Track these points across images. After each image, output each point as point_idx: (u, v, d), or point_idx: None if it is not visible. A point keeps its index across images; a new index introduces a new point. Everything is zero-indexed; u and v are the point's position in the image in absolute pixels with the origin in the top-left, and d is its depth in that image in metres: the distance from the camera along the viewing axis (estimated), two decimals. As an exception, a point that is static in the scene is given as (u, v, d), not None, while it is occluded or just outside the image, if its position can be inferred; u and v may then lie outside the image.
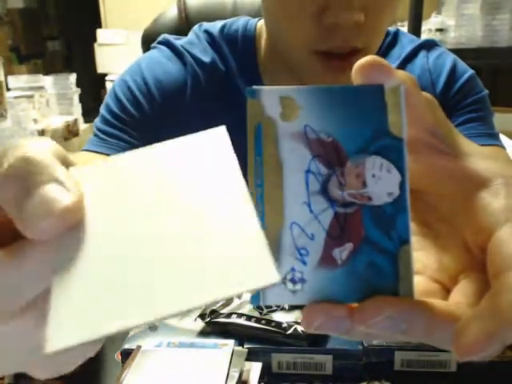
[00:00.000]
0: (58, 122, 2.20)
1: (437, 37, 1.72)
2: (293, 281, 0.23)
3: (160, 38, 0.72)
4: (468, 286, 0.23)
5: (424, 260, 0.26)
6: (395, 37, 0.72)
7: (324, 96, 0.23)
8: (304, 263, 0.23)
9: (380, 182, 0.23)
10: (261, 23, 0.70)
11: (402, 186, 0.23)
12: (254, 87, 0.23)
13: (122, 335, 0.48)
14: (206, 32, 0.70)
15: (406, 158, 0.23)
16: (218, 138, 0.23)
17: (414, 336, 0.21)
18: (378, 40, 0.58)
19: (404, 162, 0.23)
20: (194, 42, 0.69)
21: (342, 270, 0.23)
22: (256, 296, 0.23)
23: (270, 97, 0.23)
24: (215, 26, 0.71)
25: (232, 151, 0.22)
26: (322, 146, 0.23)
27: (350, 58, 0.55)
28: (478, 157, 0.26)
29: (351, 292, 0.23)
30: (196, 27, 0.72)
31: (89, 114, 2.26)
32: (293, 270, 0.23)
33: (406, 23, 1.62)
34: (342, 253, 0.23)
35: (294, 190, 0.23)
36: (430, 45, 0.72)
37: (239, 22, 0.70)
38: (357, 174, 0.23)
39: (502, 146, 0.68)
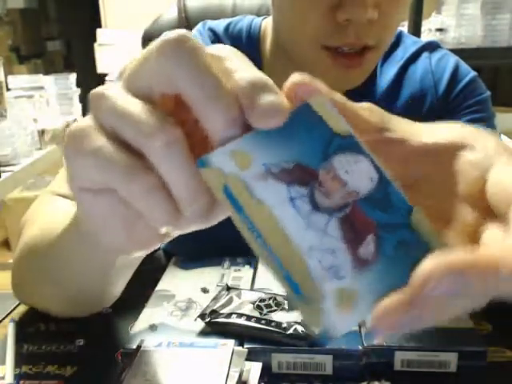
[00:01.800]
0: (58, 122, 2.20)
1: (437, 37, 1.71)
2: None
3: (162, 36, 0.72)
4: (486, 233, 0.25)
5: None
6: (398, 38, 0.72)
7: (265, 135, 0.24)
8: (341, 278, 0.24)
9: (355, 173, 0.25)
10: (265, 22, 0.70)
11: (374, 167, 0.24)
12: (202, 157, 0.24)
13: (122, 335, 0.48)
14: (211, 30, 0.70)
15: (361, 144, 0.25)
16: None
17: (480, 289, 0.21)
18: (389, 37, 0.59)
19: (362, 147, 0.25)
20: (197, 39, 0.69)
21: (377, 263, 0.24)
22: (323, 336, 0.23)
23: (220, 158, 0.24)
24: (220, 25, 0.71)
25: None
26: (289, 173, 0.24)
27: (361, 54, 0.55)
28: (433, 131, 0.28)
29: (397, 277, 0.23)
30: (200, 25, 0.72)
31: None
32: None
33: (406, 23, 1.62)
34: (367, 249, 0.24)
35: (290, 222, 0.24)
36: (432, 46, 0.72)
37: (244, 22, 0.71)
38: (332, 177, 0.25)
39: None
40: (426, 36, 1.71)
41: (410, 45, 0.72)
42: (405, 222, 0.24)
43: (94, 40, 3.08)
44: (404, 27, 1.61)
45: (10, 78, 2.24)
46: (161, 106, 0.25)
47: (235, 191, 0.24)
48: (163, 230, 0.26)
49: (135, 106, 0.25)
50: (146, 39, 0.92)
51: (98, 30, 3.09)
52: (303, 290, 0.23)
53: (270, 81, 0.25)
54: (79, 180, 0.27)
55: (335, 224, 0.24)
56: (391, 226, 0.24)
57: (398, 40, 0.72)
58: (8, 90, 2.08)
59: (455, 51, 0.74)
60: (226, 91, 0.24)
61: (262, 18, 0.71)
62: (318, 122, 0.25)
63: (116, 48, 3.00)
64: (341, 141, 0.25)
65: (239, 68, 0.25)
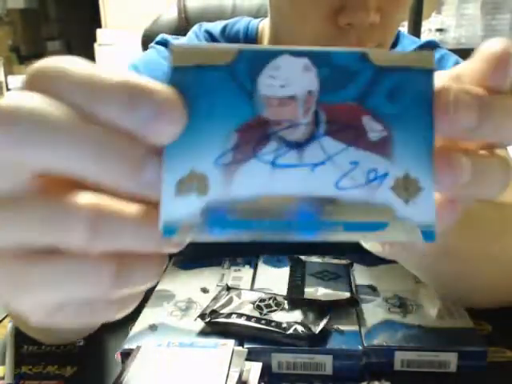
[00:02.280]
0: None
1: (437, 37, 1.72)
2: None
3: (158, 38, 0.72)
4: None
5: None
6: (396, 38, 0.72)
7: (186, 138, 0.22)
8: (384, 176, 0.22)
9: (289, 79, 0.22)
10: (262, 24, 0.70)
11: (296, 55, 0.21)
12: (161, 225, 0.21)
13: (122, 335, 0.48)
14: (207, 32, 0.70)
15: (259, 52, 0.22)
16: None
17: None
18: (390, 39, 0.59)
19: (263, 53, 0.22)
20: (193, 41, 0.69)
21: (393, 131, 0.22)
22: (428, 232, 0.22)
23: (172, 210, 0.21)
24: (216, 27, 0.71)
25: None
26: (241, 146, 0.21)
27: None
28: None
29: (422, 124, 0.22)
30: (196, 27, 0.72)
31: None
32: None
33: (405, 23, 1.62)
34: (374, 130, 0.22)
35: (295, 180, 0.21)
36: (431, 46, 0.72)
37: (241, 24, 0.70)
38: (276, 104, 0.22)
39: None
40: (426, 36, 1.71)
41: (408, 45, 0.72)
42: (371, 71, 0.22)
43: (94, 40, 3.09)
44: (404, 27, 1.61)
45: (9, 78, 2.24)
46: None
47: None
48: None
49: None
50: (146, 39, 0.92)
51: (98, 30, 3.09)
52: (374, 218, 0.22)
53: (135, 81, 0.21)
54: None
55: (328, 141, 0.22)
56: (366, 89, 0.22)
57: (396, 40, 0.72)
58: (8, 90, 2.08)
59: (455, 51, 0.74)
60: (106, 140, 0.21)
61: (259, 20, 0.71)
62: (211, 83, 0.21)
63: (116, 48, 3.00)
64: (238, 69, 0.21)
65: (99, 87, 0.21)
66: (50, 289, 0.22)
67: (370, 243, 0.29)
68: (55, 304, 0.23)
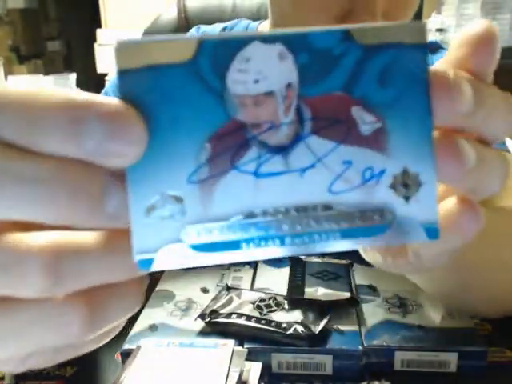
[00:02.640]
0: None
1: (437, 37, 1.72)
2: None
3: None
4: None
5: None
6: None
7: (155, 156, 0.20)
8: (382, 172, 0.20)
9: (263, 71, 0.19)
10: (262, 27, 0.70)
11: (267, 42, 0.18)
12: (137, 259, 0.19)
13: (122, 335, 0.48)
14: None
15: (224, 41, 0.19)
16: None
17: None
18: None
19: (231, 41, 0.19)
20: None
21: (388, 118, 0.20)
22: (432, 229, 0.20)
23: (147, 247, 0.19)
24: (215, 29, 0.71)
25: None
26: (216, 157, 0.19)
27: None
28: None
29: (421, 107, 0.20)
30: (194, 29, 0.72)
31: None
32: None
33: (405, 23, 1.62)
34: (366, 121, 0.19)
35: (285, 189, 0.19)
36: (434, 47, 0.72)
37: (240, 25, 0.70)
38: (252, 104, 0.19)
39: (503, 149, 0.68)
40: (426, 36, 1.71)
41: None
42: (357, 52, 0.19)
43: (94, 40, 3.08)
44: (404, 27, 1.61)
45: (9, 78, 2.24)
46: None
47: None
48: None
49: None
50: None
51: (98, 30, 3.09)
52: (373, 221, 0.20)
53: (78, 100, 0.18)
54: None
55: (315, 141, 0.19)
56: (353, 75, 0.19)
57: None
58: (8, 90, 2.08)
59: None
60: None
61: (258, 22, 0.71)
62: (171, 90, 0.18)
63: (116, 48, 2.99)
64: (201, 65, 0.18)
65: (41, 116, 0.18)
66: (13, 341, 0.20)
67: (371, 255, 0.27)
68: (26, 354, 0.21)
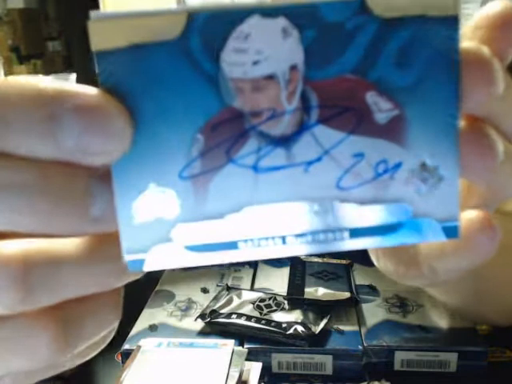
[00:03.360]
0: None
1: (437, 37, 1.72)
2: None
3: None
4: None
5: None
6: None
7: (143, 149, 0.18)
8: (398, 165, 0.18)
9: (262, 52, 0.16)
10: None
11: (266, 16, 0.16)
12: (127, 260, 0.17)
13: (122, 335, 0.48)
14: None
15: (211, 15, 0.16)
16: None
17: None
18: None
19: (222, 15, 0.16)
20: None
21: (408, 105, 0.17)
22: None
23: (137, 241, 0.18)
24: None
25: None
26: (213, 148, 0.17)
27: None
28: None
29: (446, 90, 0.17)
30: None
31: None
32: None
33: (405, 23, 1.63)
34: (382, 109, 0.17)
35: (289, 185, 0.17)
36: None
37: None
38: (250, 90, 0.16)
39: None
40: (426, 36, 1.71)
41: None
42: (374, 26, 0.16)
43: (94, 40, 3.08)
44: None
45: (9, 78, 2.24)
46: None
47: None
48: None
49: None
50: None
51: (98, 30, 3.08)
52: (386, 219, 0.18)
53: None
54: None
55: (322, 131, 0.17)
56: (369, 55, 0.16)
57: None
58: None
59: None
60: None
61: None
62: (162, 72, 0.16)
63: (116, 48, 2.99)
64: (192, 44, 0.16)
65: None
66: None
67: (383, 264, 0.25)
68: None
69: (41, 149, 0.16)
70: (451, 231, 0.18)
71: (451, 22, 0.16)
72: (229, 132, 0.17)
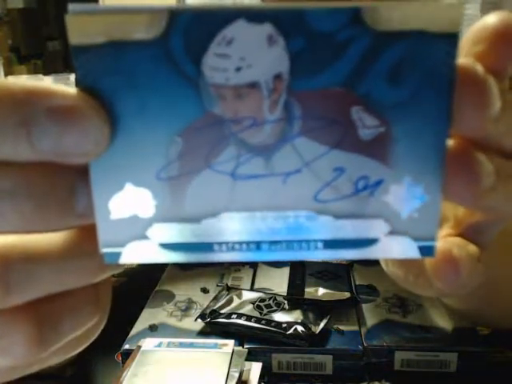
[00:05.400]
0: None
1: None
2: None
3: None
4: None
5: None
6: None
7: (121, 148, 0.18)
8: (378, 183, 0.17)
9: (247, 58, 0.16)
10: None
11: (252, 21, 0.15)
12: (104, 252, 0.18)
13: (122, 335, 0.48)
14: None
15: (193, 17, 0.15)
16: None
17: None
18: None
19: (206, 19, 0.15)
20: None
21: (394, 123, 0.17)
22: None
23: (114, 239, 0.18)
24: None
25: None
26: (188, 158, 0.17)
27: None
28: None
29: (434, 106, 0.16)
30: None
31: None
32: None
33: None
34: (366, 124, 0.17)
35: (269, 194, 0.17)
36: None
37: None
38: (232, 97, 0.16)
39: None
40: (426, 36, 1.71)
41: None
42: (367, 39, 0.15)
43: (94, 40, 3.08)
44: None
45: (9, 78, 2.24)
46: None
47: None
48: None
49: None
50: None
51: (98, 30, 3.08)
52: (361, 234, 0.18)
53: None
54: None
55: (304, 143, 0.17)
56: (359, 68, 0.16)
57: None
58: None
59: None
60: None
61: None
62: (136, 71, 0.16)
63: (116, 48, 2.99)
64: (173, 45, 0.15)
65: None
66: None
67: (392, 270, 0.24)
68: None
69: (17, 153, 0.16)
70: (427, 250, 0.18)
71: (451, 40, 0.16)
72: (208, 137, 0.16)
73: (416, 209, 0.17)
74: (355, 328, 0.48)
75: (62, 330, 0.18)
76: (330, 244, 0.18)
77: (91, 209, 0.17)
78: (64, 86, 0.16)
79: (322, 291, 0.52)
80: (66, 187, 0.17)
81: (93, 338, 0.21)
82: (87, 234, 0.18)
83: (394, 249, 0.18)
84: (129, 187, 0.17)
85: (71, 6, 0.15)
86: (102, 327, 0.21)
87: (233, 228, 0.18)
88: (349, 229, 0.18)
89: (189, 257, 0.18)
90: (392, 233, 0.18)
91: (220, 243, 0.18)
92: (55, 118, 0.15)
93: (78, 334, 0.19)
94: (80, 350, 0.21)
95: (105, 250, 0.17)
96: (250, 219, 0.18)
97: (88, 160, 0.16)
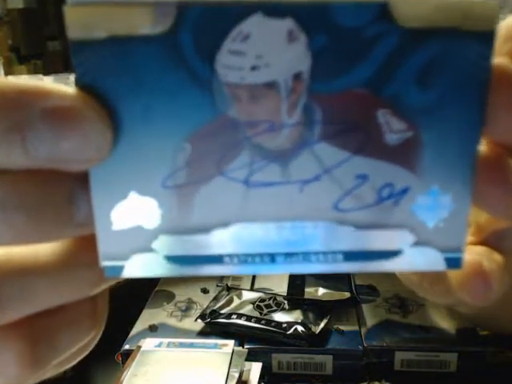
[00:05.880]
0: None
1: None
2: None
3: None
4: None
5: None
6: None
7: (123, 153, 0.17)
8: (406, 190, 0.16)
9: (263, 56, 0.14)
10: None
11: (271, 16, 0.14)
12: (104, 266, 0.17)
13: (122, 335, 0.48)
14: None
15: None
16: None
17: None
18: None
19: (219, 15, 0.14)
20: None
21: (423, 128, 0.15)
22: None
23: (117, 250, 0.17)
24: None
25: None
26: (200, 163, 0.16)
27: None
28: None
29: (465, 115, 0.15)
30: None
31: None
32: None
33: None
34: (394, 129, 0.15)
35: (284, 204, 0.16)
36: None
37: None
38: (247, 98, 0.15)
39: None
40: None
41: None
42: (394, 36, 0.14)
43: (94, 40, 3.07)
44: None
45: (9, 78, 2.24)
46: None
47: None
48: None
49: None
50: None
51: (98, 30, 3.08)
52: (385, 245, 0.17)
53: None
54: None
55: (324, 148, 0.15)
56: (385, 69, 0.14)
57: None
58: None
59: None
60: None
61: None
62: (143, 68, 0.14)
63: (116, 48, 2.99)
64: (183, 41, 0.14)
65: None
66: None
67: (405, 276, 0.24)
68: None
69: (10, 161, 0.14)
70: (454, 262, 0.17)
71: (487, 38, 0.14)
72: (220, 142, 0.15)
73: (443, 218, 0.16)
74: (355, 328, 0.48)
75: (58, 347, 0.17)
76: (351, 256, 0.17)
77: (92, 217, 0.16)
78: (62, 85, 0.14)
79: (322, 291, 0.52)
80: (64, 194, 0.15)
81: (87, 351, 0.20)
82: (86, 244, 0.16)
83: (419, 261, 0.17)
84: (133, 196, 0.16)
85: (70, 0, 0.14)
86: (97, 340, 0.20)
87: (245, 239, 0.16)
88: (371, 240, 0.17)
89: (197, 270, 0.17)
90: (417, 244, 0.17)
91: (231, 255, 0.16)
92: (52, 120, 0.14)
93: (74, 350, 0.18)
94: (74, 363, 0.20)
95: (105, 264, 0.16)
96: (263, 230, 0.16)
97: (88, 167, 0.15)
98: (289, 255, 0.17)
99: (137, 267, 0.16)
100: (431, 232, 0.17)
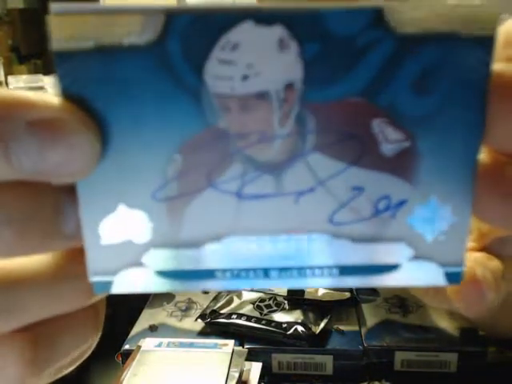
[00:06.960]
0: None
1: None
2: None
3: None
4: None
5: None
6: None
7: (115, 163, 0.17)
8: (402, 203, 0.16)
9: (256, 65, 0.14)
10: None
11: (262, 21, 0.13)
12: (93, 281, 0.16)
13: (122, 335, 0.48)
14: None
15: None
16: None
17: None
18: None
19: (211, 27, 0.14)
20: None
21: (419, 138, 0.15)
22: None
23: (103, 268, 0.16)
24: None
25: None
26: (190, 175, 0.15)
27: None
28: None
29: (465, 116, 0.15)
30: None
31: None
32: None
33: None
34: (390, 139, 0.15)
35: (278, 218, 0.16)
36: None
37: None
38: (238, 109, 0.14)
39: None
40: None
41: None
42: (390, 43, 0.14)
43: (94, 40, 3.07)
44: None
45: (9, 78, 2.24)
46: None
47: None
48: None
49: None
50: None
51: (98, 30, 3.08)
52: (381, 259, 0.16)
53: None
54: None
55: (318, 159, 0.15)
56: (381, 76, 0.14)
57: None
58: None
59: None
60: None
61: None
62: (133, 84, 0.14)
63: (116, 48, 2.99)
64: (171, 50, 0.14)
65: None
66: None
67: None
68: None
69: None
70: (454, 277, 0.17)
71: (486, 43, 0.14)
72: (211, 153, 0.15)
73: (443, 231, 0.16)
74: (355, 328, 0.48)
75: (57, 352, 0.17)
76: (347, 270, 0.16)
77: (80, 229, 0.15)
78: (47, 95, 0.14)
79: (322, 291, 0.52)
80: (51, 207, 0.15)
81: (87, 356, 0.20)
82: (76, 255, 0.16)
83: (418, 275, 0.16)
84: (121, 209, 0.15)
85: (54, 5, 0.13)
86: (94, 345, 0.20)
87: (238, 253, 0.16)
88: (368, 254, 0.16)
89: (188, 285, 0.16)
90: (416, 258, 0.16)
91: (224, 270, 0.16)
92: (36, 132, 0.13)
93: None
94: (72, 368, 0.20)
95: (94, 279, 0.16)
96: (257, 243, 0.16)
97: (75, 180, 0.15)
98: (283, 270, 0.16)
99: (127, 283, 0.16)
100: (430, 245, 0.16)
